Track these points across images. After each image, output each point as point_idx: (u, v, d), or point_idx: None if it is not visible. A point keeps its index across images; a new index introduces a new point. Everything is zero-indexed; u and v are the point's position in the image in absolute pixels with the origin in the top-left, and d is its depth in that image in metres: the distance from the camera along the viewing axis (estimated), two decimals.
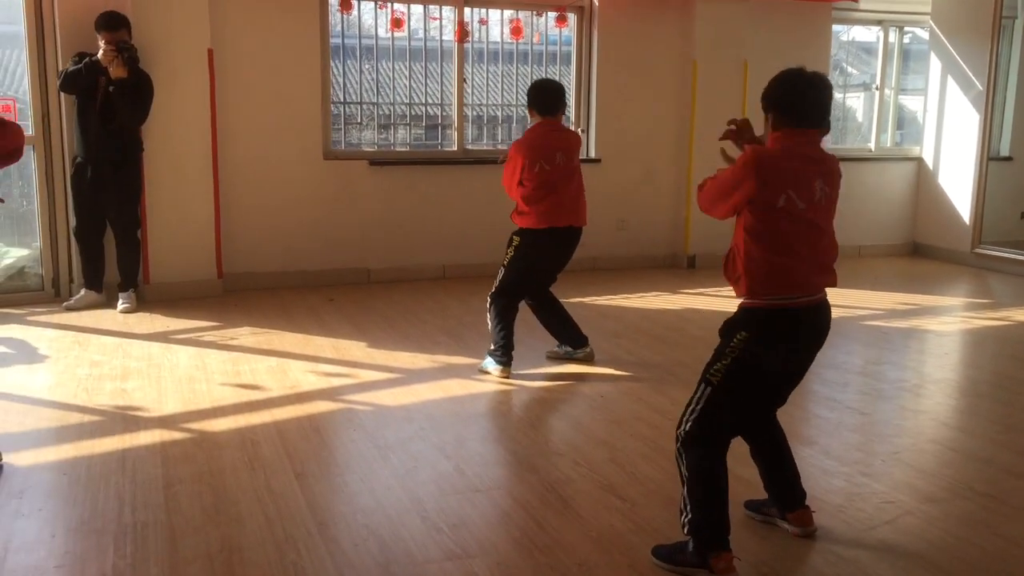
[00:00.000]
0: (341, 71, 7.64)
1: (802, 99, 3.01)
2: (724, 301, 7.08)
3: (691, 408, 2.96)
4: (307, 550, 3.07)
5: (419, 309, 6.60)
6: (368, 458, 3.90)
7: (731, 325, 2.97)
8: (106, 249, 6.51)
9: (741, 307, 2.97)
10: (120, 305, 6.35)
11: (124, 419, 4.29)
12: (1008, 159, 8.98)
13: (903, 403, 4.80)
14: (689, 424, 2.94)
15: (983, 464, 3.95)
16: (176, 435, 4.11)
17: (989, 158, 8.54)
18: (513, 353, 5.01)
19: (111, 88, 6.09)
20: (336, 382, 4.92)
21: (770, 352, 2.91)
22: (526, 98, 5.16)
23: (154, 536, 3.15)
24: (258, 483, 3.59)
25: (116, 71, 6.04)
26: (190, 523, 3.25)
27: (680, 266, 8.41)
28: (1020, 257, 8.28)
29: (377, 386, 4.87)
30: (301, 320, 6.22)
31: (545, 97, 5.00)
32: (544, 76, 7.94)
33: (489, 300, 5.06)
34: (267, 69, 7.08)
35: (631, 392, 4.86)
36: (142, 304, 6.48)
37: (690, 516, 2.93)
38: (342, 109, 7.64)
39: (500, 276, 5.03)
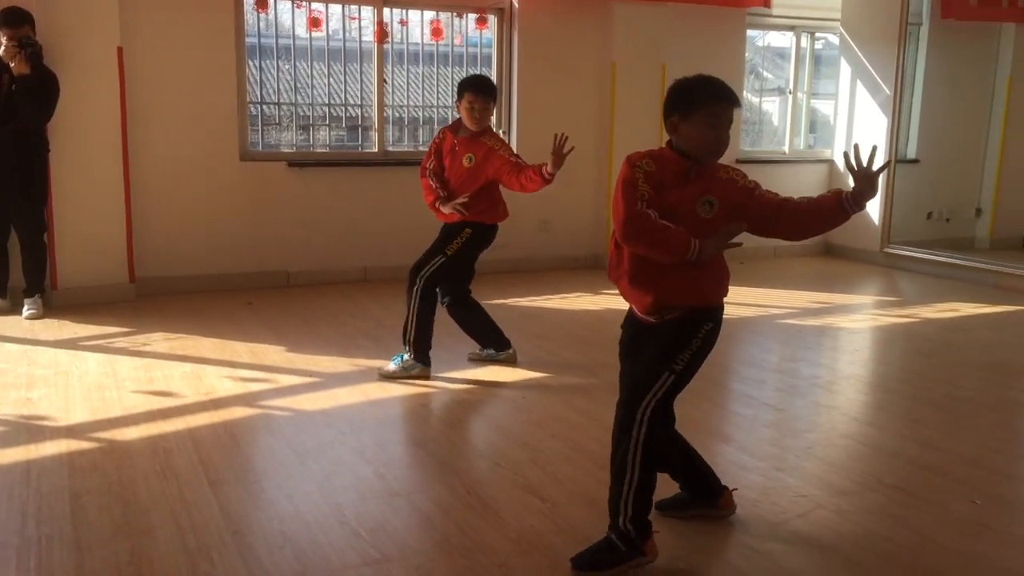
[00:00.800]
0: (258, 71, 7.50)
1: None
2: None
3: (652, 394, 2.95)
4: (220, 559, 2.99)
5: (340, 312, 6.51)
6: (286, 464, 3.83)
7: (696, 318, 3.00)
8: (11, 253, 6.28)
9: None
10: (25, 311, 6.13)
11: (29, 429, 4.13)
12: (915, 162, 9.29)
13: (816, 399, 4.92)
14: (649, 410, 2.94)
15: (892, 457, 4.06)
16: (84, 445, 3.97)
17: (897, 161, 8.82)
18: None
19: (13, 86, 5.87)
20: (253, 387, 4.82)
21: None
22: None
23: (59, 549, 3.04)
24: (170, 492, 3.49)
25: (18, 67, 5.83)
26: (98, 535, 3.14)
27: (602, 267, 8.47)
28: (926, 256, 8.57)
29: (296, 391, 4.78)
30: (217, 325, 6.08)
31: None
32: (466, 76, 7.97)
33: (419, 284, 4.94)
34: (180, 68, 6.91)
35: (552, 393, 4.87)
36: (49, 310, 6.26)
37: (631, 511, 2.92)
38: (260, 110, 7.51)
39: (438, 263, 4.99)
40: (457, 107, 5.02)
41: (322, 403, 4.57)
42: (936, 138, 9.31)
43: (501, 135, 5.80)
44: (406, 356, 4.99)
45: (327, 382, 4.92)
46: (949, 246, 8.79)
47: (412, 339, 4.97)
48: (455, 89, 5.08)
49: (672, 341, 2.99)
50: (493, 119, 5.49)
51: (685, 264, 2.88)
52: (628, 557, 2.95)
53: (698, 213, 2.90)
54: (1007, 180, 9.33)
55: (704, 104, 2.96)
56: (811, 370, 5.49)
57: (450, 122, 5.24)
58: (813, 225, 3.01)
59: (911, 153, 9.30)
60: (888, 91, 8.73)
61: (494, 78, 8.20)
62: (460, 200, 4.92)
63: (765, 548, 3.16)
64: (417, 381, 4.94)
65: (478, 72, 8.08)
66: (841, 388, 5.18)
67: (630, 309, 3.21)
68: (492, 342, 5.30)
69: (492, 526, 3.29)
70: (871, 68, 8.92)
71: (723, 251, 2.96)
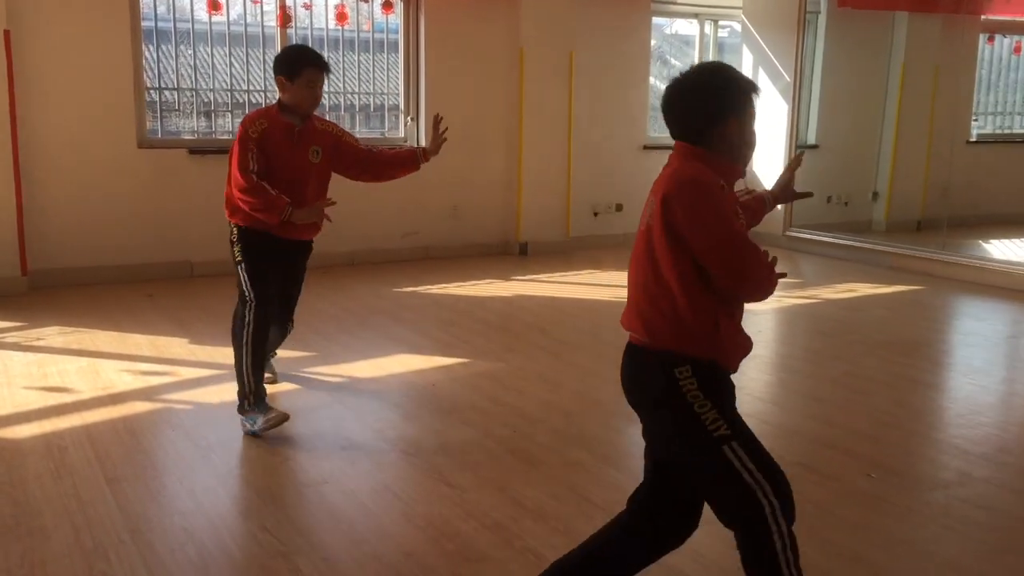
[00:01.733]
0: (155, 56, 7.27)
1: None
2: (555, 287, 7.22)
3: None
4: (119, 558, 2.90)
5: None
6: (187, 459, 3.73)
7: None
8: None
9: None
10: None
11: None
12: (815, 147, 9.56)
13: None
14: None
15: (793, 435, 4.17)
16: None
17: (798, 146, 9.06)
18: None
19: None
20: (154, 381, 4.69)
21: None
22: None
23: None
24: (65, 491, 3.37)
25: None
26: None
27: (512, 253, 8.50)
28: (827, 239, 8.83)
29: (199, 384, 4.67)
30: (117, 317, 5.89)
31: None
32: (372, 63, 7.88)
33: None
34: (73, 52, 6.65)
35: (463, 380, 4.86)
36: None
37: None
38: (159, 96, 7.29)
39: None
40: (281, 86, 4.02)
41: (226, 396, 4.46)
42: (835, 124, 9.60)
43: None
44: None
45: (231, 374, 4.79)
46: (848, 229, 9.06)
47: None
48: (275, 67, 4.08)
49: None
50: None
51: None
52: None
53: None
54: (901, 165, 9.68)
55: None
56: None
57: (260, 108, 4.47)
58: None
59: (811, 139, 9.56)
60: (788, 78, 8.95)
61: (401, 64, 8.12)
62: (328, 202, 4.18)
63: None
64: (327, 372, 4.87)
65: (385, 59, 8.00)
66: (745, 369, 5.25)
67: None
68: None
69: (399, 514, 3.27)
70: (772, 56, 9.13)
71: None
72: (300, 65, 4.00)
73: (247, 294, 4.04)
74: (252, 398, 3.99)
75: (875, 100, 9.68)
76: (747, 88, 2.33)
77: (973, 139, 10.13)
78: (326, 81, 4.08)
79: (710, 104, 2.29)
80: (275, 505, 3.31)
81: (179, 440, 3.93)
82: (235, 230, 4.10)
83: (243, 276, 4.06)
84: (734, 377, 2.44)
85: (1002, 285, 7.29)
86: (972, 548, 3.11)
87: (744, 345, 2.44)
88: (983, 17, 9.79)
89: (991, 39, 10.08)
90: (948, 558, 3.11)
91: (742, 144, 2.34)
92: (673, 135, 2.36)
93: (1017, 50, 10.29)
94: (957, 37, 9.44)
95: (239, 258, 4.08)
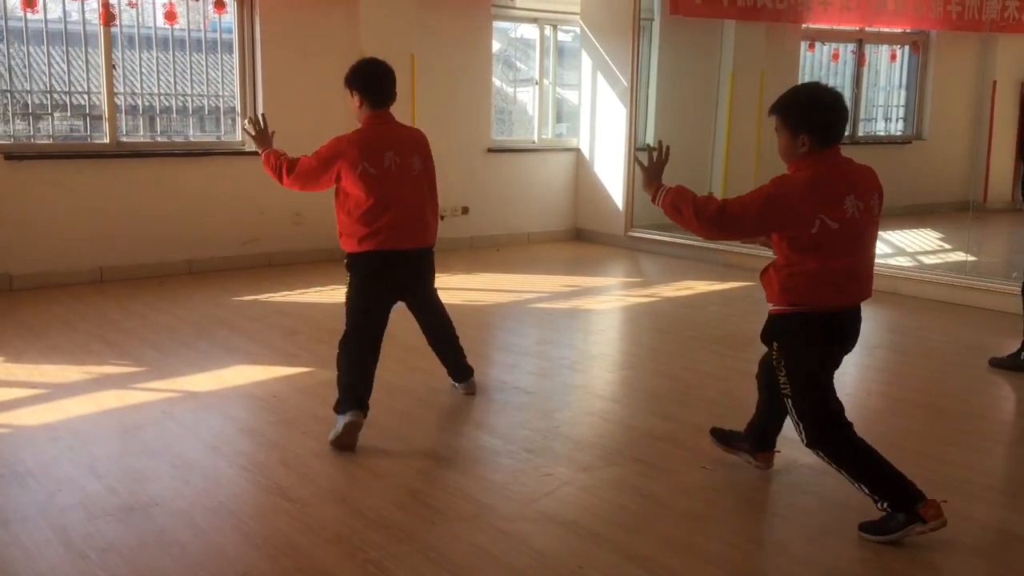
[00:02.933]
0: None
1: (837, 117, 3.16)
2: None
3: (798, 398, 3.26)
4: None
5: (71, 316, 6.01)
6: (1, 487, 3.47)
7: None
8: None
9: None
10: None
11: None
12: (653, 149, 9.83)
13: (565, 379, 5.10)
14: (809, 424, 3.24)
15: (632, 431, 4.27)
16: None
17: (636, 148, 9.31)
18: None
19: None
20: None
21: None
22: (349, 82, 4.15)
23: None
24: None
25: None
26: None
27: None
28: (666, 239, 9.12)
29: (15, 404, 4.36)
30: None
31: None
32: (205, 63, 7.62)
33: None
34: None
35: (305, 390, 4.75)
36: None
37: (877, 493, 3.14)
38: None
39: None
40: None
41: (46, 416, 4.20)
42: (671, 127, 9.90)
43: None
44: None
45: (53, 393, 4.52)
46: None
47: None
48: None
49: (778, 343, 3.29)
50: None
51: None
52: (903, 524, 3.09)
53: None
54: (733, 166, 10.10)
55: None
56: (561, 352, 5.68)
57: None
58: None
59: (649, 140, 9.84)
60: (625, 82, 9.19)
61: (236, 64, 7.87)
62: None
63: (513, 529, 3.22)
64: (160, 387, 4.65)
65: (219, 60, 7.74)
66: (588, 367, 5.40)
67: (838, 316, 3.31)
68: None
69: (235, 533, 3.15)
70: (609, 60, 9.35)
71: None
72: None
73: None
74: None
75: (708, 105, 10.07)
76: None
77: None
78: None
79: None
80: (99, 531, 3.12)
81: None
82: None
83: None
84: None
85: None
86: (799, 533, 3.26)
87: None
88: (804, 26, 10.35)
89: (812, 46, 10.66)
90: (776, 542, 3.25)
91: None
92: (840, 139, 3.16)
93: (835, 57, 10.93)
94: (780, 44, 9.93)
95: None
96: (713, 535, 3.23)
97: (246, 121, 4.33)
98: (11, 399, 4.44)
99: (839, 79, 10.90)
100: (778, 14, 9.53)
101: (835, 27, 10.66)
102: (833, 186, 3.08)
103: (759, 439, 3.71)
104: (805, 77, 10.69)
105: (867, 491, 3.15)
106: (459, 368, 4.66)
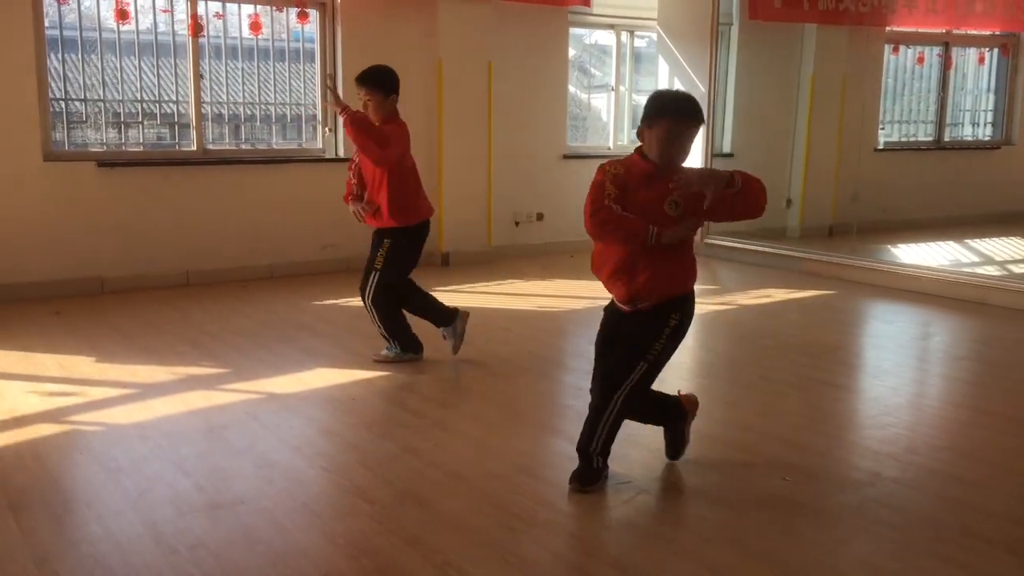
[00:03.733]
0: (61, 65, 7.05)
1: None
2: (478, 297, 7.20)
3: (628, 382, 3.51)
4: None
5: (158, 319, 6.21)
6: (95, 483, 3.61)
7: (666, 309, 3.45)
8: None
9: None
10: None
11: None
12: (730, 155, 9.74)
13: None
14: (623, 397, 3.52)
15: (710, 440, 4.21)
16: None
17: (713, 155, 9.22)
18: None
19: None
20: (61, 402, 4.53)
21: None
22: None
23: None
24: None
25: None
26: None
27: (434, 263, 8.46)
28: (743, 246, 9.01)
29: (108, 404, 4.52)
30: (21, 337, 5.68)
31: None
32: (288, 73, 7.78)
33: (367, 302, 5.27)
34: None
35: (384, 393, 4.82)
36: None
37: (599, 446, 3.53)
38: (65, 107, 7.07)
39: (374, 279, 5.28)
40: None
41: (137, 415, 4.34)
42: (749, 133, 9.80)
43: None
44: (396, 349, 5.24)
45: (143, 393, 4.67)
46: (763, 236, 9.25)
47: (390, 336, 5.22)
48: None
49: (644, 332, 3.46)
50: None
51: (654, 258, 3.33)
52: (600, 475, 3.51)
53: (666, 211, 3.32)
54: (813, 172, 9.94)
55: (665, 118, 3.33)
56: None
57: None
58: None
59: (726, 147, 9.74)
60: (703, 88, 9.11)
61: (317, 74, 8.03)
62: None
63: (590, 536, 3.23)
64: (244, 388, 4.77)
65: (301, 70, 7.91)
66: (664, 375, 5.31)
67: (611, 301, 3.60)
68: (437, 320, 5.35)
69: (317, 533, 3.21)
70: (687, 66, 9.28)
71: (684, 239, 3.41)
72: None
73: None
74: None
75: (787, 109, 9.92)
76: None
77: (880, 147, 10.47)
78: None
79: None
80: (187, 528, 3.22)
81: (86, 463, 3.80)
82: None
83: None
84: None
85: (910, 288, 7.53)
86: (883, 548, 3.19)
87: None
88: (888, 28, 10.13)
89: (896, 50, 10.44)
90: (860, 557, 3.19)
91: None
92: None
93: (920, 60, 10.67)
94: (863, 48, 9.74)
95: None
96: (790, 545, 3.18)
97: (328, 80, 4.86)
98: (104, 398, 4.61)
99: (924, 83, 10.65)
100: (861, 17, 9.35)
101: (920, 30, 10.41)
102: None
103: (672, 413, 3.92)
104: (889, 81, 10.47)
105: None
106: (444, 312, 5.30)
